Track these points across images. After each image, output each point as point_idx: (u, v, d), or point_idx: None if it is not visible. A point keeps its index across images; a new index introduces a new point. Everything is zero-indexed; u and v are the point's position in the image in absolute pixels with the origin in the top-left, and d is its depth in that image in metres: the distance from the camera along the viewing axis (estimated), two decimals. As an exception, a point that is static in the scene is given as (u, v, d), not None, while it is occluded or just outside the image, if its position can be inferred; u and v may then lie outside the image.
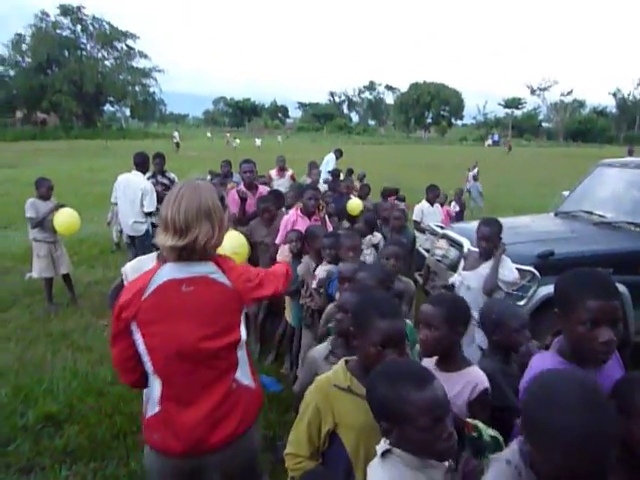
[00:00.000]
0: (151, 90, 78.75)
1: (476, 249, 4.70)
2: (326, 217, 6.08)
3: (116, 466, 4.10)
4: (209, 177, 9.13)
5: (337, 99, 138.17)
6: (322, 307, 4.09)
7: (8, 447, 4.27)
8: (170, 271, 2.27)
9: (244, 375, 2.41)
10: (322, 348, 3.00)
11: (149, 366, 2.30)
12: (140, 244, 7.36)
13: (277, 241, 5.60)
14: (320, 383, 2.42)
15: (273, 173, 10.51)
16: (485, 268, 4.49)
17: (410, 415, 1.78)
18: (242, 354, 2.39)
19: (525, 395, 1.65)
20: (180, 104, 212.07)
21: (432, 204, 8.05)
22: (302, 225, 5.50)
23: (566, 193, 7.23)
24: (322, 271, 4.46)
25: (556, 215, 6.76)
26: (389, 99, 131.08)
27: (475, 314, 3.46)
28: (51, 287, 7.46)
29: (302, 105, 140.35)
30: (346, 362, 2.41)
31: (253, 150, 43.98)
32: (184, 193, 2.27)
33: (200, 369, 2.29)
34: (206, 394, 2.31)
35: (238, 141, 56.62)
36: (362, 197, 8.75)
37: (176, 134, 49.49)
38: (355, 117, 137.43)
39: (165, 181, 8.58)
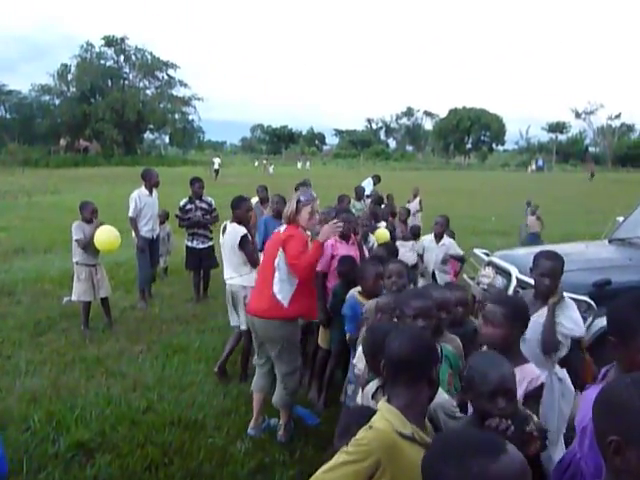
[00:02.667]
0: (190, 118, 78.96)
1: (525, 278, 4.35)
2: (362, 242, 5.96)
3: (147, 499, 3.87)
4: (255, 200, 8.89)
5: (374, 125, 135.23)
6: None
7: (39, 475, 4.11)
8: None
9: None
10: (373, 384, 2.83)
11: None
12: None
13: (319, 268, 5.24)
14: (384, 433, 2.07)
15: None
16: (542, 316, 3.73)
17: None
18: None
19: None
20: (218, 131, 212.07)
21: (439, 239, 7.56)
22: (342, 250, 5.45)
23: (621, 219, 6.87)
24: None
25: (610, 242, 6.41)
26: (427, 125, 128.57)
27: (537, 371, 2.87)
28: (88, 311, 7.35)
29: (339, 132, 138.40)
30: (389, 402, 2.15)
31: (288, 176, 43.58)
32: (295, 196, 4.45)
33: None
34: None
35: (273, 167, 57.23)
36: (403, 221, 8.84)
37: (216, 160, 45.23)
38: (392, 143, 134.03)
39: (204, 205, 8.46)
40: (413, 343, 2.15)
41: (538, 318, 3.66)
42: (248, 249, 5.55)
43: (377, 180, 13.34)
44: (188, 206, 8.49)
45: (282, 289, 4.29)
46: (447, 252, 7.35)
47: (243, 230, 5.53)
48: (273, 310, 4.31)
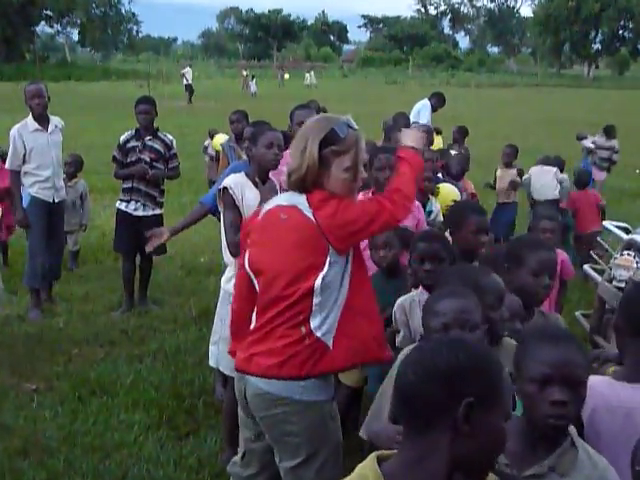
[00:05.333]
0: None
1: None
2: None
3: None
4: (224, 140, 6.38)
5: (432, 10, 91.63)
6: None
7: None
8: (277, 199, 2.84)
9: None
10: None
11: None
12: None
13: None
14: None
15: None
16: None
17: None
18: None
19: None
20: (162, 22, 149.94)
21: None
22: None
23: None
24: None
25: None
26: (525, 10, 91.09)
27: None
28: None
29: (371, 21, 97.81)
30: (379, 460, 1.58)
31: (282, 97, 30.55)
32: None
33: None
34: None
35: (256, 82, 38.13)
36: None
37: (187, 72, 32.61)
38: (464, 41, 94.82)
39: (157, 145, 6.40)
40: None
41: None
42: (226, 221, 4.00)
43: (438, 102, 9.72)
44: (131, 143, 6.34)
45: (325, 317, 2.70)
46: None
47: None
48: (307, 360, 2.70)
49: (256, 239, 2.75)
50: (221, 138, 8.31)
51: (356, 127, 2.82)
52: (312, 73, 48.11)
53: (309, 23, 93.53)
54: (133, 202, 6.38)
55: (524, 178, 8.01)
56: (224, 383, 4.44)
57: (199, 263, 7.99)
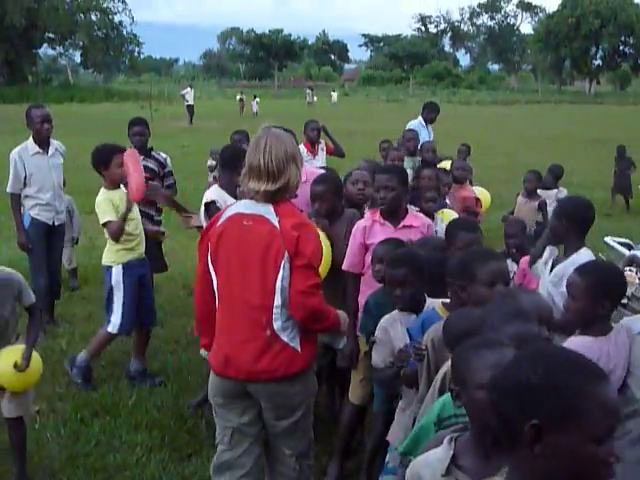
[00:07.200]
0: (116, 20, 52.83)
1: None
2: None
3: None
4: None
5: (432, 28, 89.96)
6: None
7: None
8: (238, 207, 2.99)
9: None
10: (436, 457, 1.92)
11: None
12: None
13: (345, 267, 4.00)
14: None
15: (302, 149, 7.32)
16: None
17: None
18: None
19: None
20: (164, 43, 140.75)
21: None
22: (384, 235, 3.91)
23: None
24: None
25: None
26: (525, 26, 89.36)
27: None
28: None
29: (371, 40, 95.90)
30: None
31: (284, 117, 32.43)
32: (270, 142, 2.81)
33: None
34: None
35: (258, 100, 37.98)
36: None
37: (188, 91, 31.37)
38: (465, 58, 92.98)
39: (151, 165, 6.22)
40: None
41: None
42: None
43: (431, 113, 8.63)
44: None
45: (286, 322, 2.98)
46: None
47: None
48: (280, 365, 3.01)
49: (219, 244, 2.92)
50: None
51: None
52: (335, 92, 48.77)
53: (310, 43, 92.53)
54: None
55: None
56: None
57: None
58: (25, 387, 4.01)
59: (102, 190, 5.18)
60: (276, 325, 2.89)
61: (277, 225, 2.80)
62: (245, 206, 2.93)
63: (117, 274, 5.03)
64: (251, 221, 2.85)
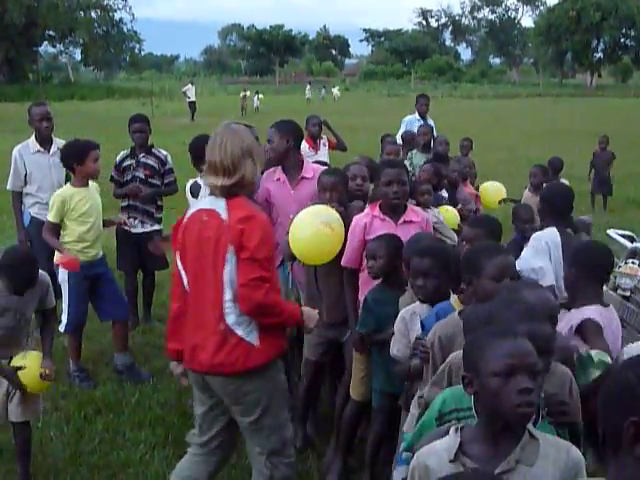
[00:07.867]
0: (116, 17, 52.55)
1: None
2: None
3: None
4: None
5: (433, 22, 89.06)
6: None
7: None
8: (200, 203, 3.21)
9: None
10: (442, 446, 2.00)
11: None
12: None
13: (344, 262, 3.97)
14: None
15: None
16: None
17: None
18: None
19: None
20: (164, 40, 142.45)
21: None
22: (385, 231, 3.87)
23: None
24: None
25: None
26: (526, 20, 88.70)
27: None
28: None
29: (372, 35, 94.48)
30: None
31: (285, 112, 32.05)
32: (226, 138, 2.88)
33: None
34: None
35: (261, 97, 37.39)
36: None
37: (189, 88, 30.29)
38: (466, 52, 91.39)
39: (151, 162, 6.21)
40: None
41: None
42: None
43: (423, 103, 8.64)
44: (127, 162, 6.22)
45: (241, 317, 2.95)
46: None
47: None
48: (236, 360, 2.98)
49: (184, 241, 2.98)
50: None
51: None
52: (319, 89, 48.42)
53: (311, 38, 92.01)
54: (131, 220, 6.23)
55: None
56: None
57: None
58: (44, 390, 4.17)
59: (67, 186, 5.14)
60: (230, 319, 2.88)
61: (226, 219, 2.85)
62: (205, 202, 3.03)
63: (62, 273, 5.01)
64: (207, 216, 2.91)
